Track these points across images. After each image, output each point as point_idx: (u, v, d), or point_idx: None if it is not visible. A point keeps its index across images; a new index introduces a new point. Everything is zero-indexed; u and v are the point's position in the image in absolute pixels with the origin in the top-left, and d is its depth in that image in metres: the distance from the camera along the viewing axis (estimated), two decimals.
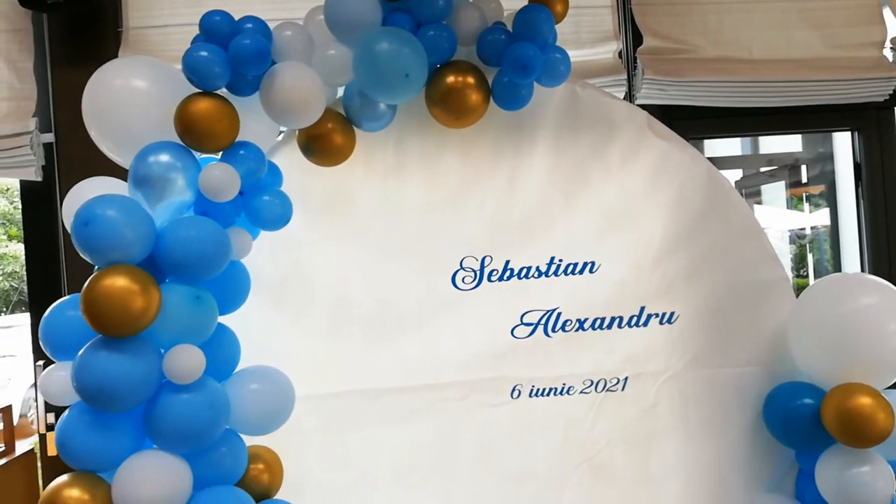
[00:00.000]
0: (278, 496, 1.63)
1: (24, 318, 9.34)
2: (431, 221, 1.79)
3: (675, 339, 1.81)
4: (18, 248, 10.39)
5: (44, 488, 2.05)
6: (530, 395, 1.80)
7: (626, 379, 1.81)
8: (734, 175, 4.46)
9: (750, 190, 4.26)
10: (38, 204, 2.13)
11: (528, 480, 1.79)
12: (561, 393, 1.80)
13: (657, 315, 1.81)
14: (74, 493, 1.34)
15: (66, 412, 1.40)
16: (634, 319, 1.80)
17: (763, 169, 4.15)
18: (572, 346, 1.80)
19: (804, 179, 3.69)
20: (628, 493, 1.81)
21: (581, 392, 1.80)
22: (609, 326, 1.81)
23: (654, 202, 1.81)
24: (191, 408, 1.38)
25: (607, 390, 1.80)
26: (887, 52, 2.26)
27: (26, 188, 2.12)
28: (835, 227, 3.13)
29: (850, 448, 1.57)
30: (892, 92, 2.25)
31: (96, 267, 1.37)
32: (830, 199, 3.24)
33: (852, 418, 1.53)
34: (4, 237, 10.41)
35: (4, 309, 10.50)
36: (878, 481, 1.54)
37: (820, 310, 1.66)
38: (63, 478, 1.37)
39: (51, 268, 2.12)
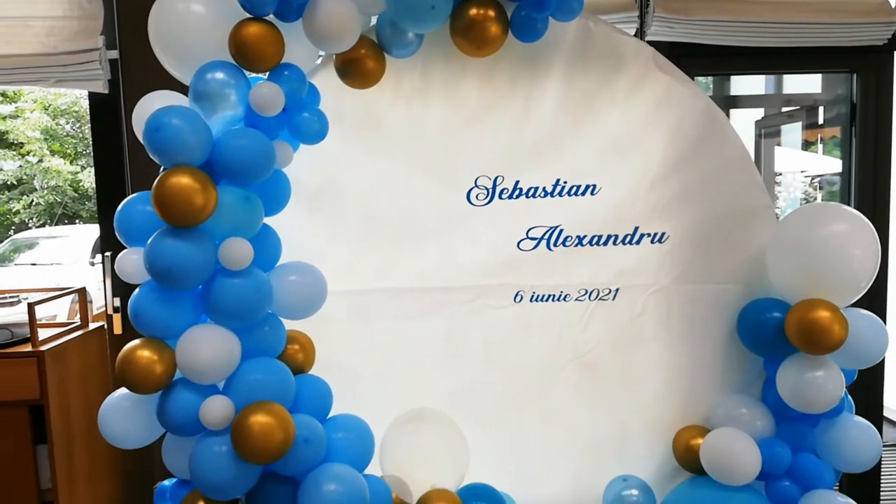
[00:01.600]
0: (310, 373, 1.88)
1: (67, 230, 9.81)
2: (451, 142, 1.96)
3: (664, 257, 1.98)
4: (60, 163, 10.75)
5: (112, 360, 2.38)
6: (531, 301, 2.01)
7: (617, 290, 2.00)
8: (757, 114, 4.46)
9: (769, 130, 4.26)
10: (105, 114, 2.36)
11: (525, 373, 2.01)
12: (558, 300, 2.00)
13: (649, 234, 1.98)
14: (145, 353, 1.58)
15: (138, 289, 1.63)
16: (628, 238, 1.98)
17: (784, 109, 4.16)
18: (571, 260, 1.99)
19: (821, 121, 3.71)
20: (612, 389, 2.02)
21: (576, 300, 2.00)
22: (605, 243, 1.99)
23: (654, 132, 1.95)
24: (240, 290, 1.60)
25: (600, 299, 2.01)
26: None
27: (94, 100, 2.35)
28: (847, 169, 3.21)
29: (809, 355, 1.76)
30: (891, 36, 2.30)
31: (162, 168, 1.59)
32: (845, 143, 3.30)
33: (811, 328, 1.70)
34: (47, 152, 10.77)
35: (49, 221, 10.98)
36: (829, 384, 1.73)
37: (794, 234, 1.81)
38: (135, 341, 1.61)
39: (116, 169, 2.36)
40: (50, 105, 10.86)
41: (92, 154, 2.34)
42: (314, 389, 1.81)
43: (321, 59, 1.90)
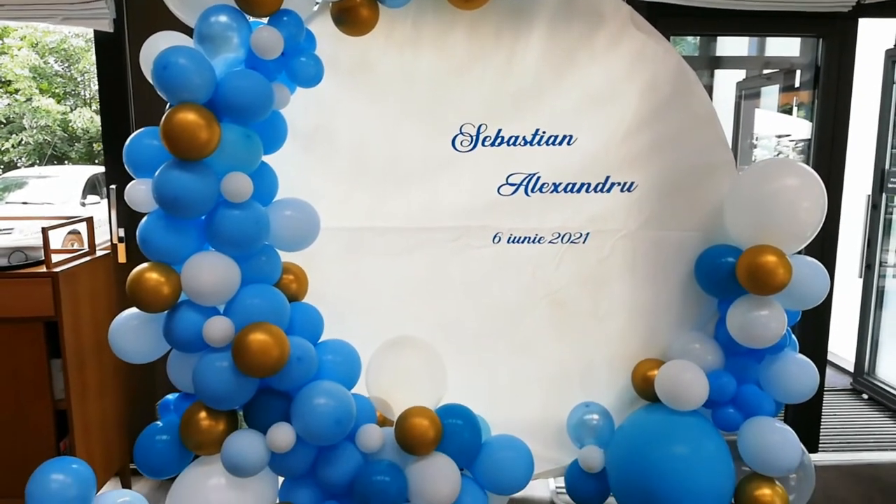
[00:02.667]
0: (303, 301, 2.01)
1: (57, 170, 9.80)
2: (439, 90, 2.07)
3: (632, 205, 2.14)
4: (49, 103, 10.64)
5: (117, 285, 2.52)
6: (508, 242, 2.16)
7: (587, 234, 2.16)
8: (740, 75, 4.54)
9: (749, 92, 4.36)
10: (110, 52, 2.45)
11: (501, 308, 2.18)
12: (533, 241, 2.16)
13: (619, 183, 2.13)
14: (154, 275, 1.71)
15: (146, 217, 1.76)
16: (600, 186, 2.14)
17: (766, 71, 4.25)
18: (546, 205, 2.14)
19: (797, 84, 3.81)
20: (580, 324, 2.20)
21: (549, 242, 2.16)
22: (578, 191, 2.14)
23: (629, 87, 2.08)
24: (240, 221, 1.73)
25: (571, 242, 2.17)
26: None
27: (100, 38, 2.43)
28: None
29: (756, 296, 1.93)
30: (855, 3, 2.40)
31: (168, 104, 1.70)
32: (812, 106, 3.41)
33: (758, 271, 1.87)
34: (36, 91, 10.64)
35: (38, 161, 10.93)
36: (772, 322, 1.91)
37: (750, 187, 1.97)
38: (144, 265, 1.73)
39: (120, 106, 2.46)
40: (38, 43, 10.68)
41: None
42: (307, 316, 1.95)
43: (318, 6, 1.99)
